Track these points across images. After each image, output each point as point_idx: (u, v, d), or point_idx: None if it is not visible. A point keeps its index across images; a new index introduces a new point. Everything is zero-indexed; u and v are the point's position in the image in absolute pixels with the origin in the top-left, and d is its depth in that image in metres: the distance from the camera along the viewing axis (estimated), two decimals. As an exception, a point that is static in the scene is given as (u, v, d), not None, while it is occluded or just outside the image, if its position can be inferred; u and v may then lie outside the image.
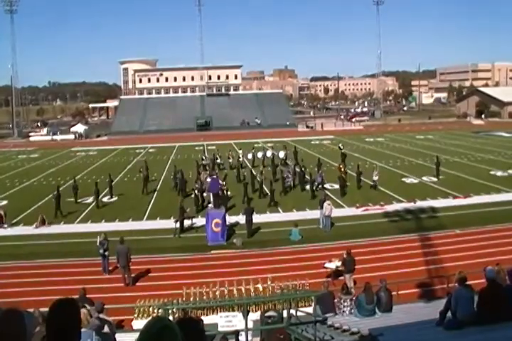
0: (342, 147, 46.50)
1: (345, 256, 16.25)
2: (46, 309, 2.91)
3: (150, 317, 11.52)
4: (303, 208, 26.79)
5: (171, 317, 10.43)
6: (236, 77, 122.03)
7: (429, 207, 26.04)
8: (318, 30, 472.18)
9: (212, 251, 20.59)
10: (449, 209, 25.55)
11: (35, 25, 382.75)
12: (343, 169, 33.27)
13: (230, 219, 24.00)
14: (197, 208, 26.65)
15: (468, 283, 9.61)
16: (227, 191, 27.49)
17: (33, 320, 2.93)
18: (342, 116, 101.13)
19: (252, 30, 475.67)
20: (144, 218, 26.35)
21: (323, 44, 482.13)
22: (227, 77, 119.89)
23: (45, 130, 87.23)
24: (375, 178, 30.89)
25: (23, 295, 15.25)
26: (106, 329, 9.07)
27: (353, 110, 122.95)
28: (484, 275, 8.44)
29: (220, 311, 13.49)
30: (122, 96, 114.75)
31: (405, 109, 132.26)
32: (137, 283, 17.39)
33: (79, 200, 30.30)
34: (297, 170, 33.45)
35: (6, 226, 25.10)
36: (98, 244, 18.50)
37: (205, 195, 28.05)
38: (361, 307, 12.51)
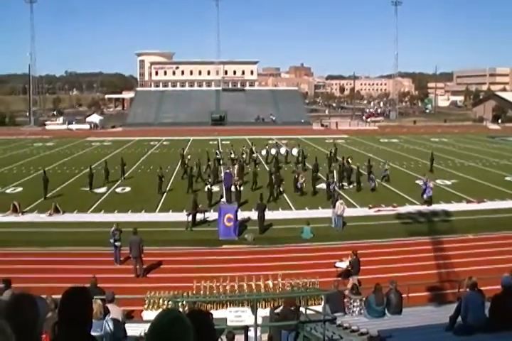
0: (334, 143, 46.06)
1: (353, 257, 16.20)
2: (58, 296, 2.95)
3: (160, 309, 11.67)
4: (315, 206, 26.79)
5: (180, 310, 10.50)
6: (252, 72, 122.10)
7: (442, 211, 25.90)
8: (336, 29, 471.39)
9: (224, 246, 20.66)
10: (462, 213, 25.37)
11: (54, 15, 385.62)
12: (350, 161, 34.75)
13: (243, 214, 24.06)
14: (210, 202, 26.71)
15: (480, 288, 9.58)
16: (240, 186, 27.52)
17: (46, 306, 2.96)
18: (364, 117, 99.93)
19: (270, 26, 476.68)
20: (157, 210, 26.49)
21: (340, 43, 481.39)
22: (243, 72, 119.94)
23: (61, 119, 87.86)
24: (429, 194, 27.63)
25: (36, 281, 15.39)
26: (116, 318, 9.16)
27: (367, 110, 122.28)
28: (500, 282, 8.39)
29: (230, 306, 13.54)
30: (138, 88, 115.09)
31: (427, 111, 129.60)
32: (148, 275, 17.50)
33: (93, 190, 30.72)
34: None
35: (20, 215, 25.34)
36: (111, 234, 18.66)
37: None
38: (371, 308, 12.49)
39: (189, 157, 37.66)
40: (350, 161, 35.19)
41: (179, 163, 39.14)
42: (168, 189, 31.46)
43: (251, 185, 31.34)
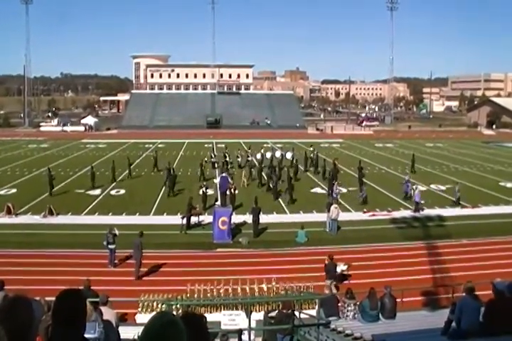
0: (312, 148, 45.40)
1: (329, 261, 16.16)
2: (51, 298, 2.93)
3: (153, 312, 11.59)
4: (310, 210, 26.80)
5: (174, 313, 10.45)
6: (247, 76, 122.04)
7: (436, 216, 25.97)
8: (331, 34, 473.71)
9: (218, 249, 20.64)
10: (456, 218, 25.43)
11: (50, 16, 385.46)
12: (337, 162, 36.53)
13: (237, 218, 24.04)
14: (204, 206, 26.66)
15: (475, 293, 9.57)
16: (234, 190, 27.50)
17: (40, 308, 2.94)
18: (358, 121, 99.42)
19: (265, 30, 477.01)
20: (151, 213, 26.43)
21: (336, 47, 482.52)
22: (239, 75, 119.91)
23: (55, 120, 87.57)
24: (417, 200, 27.04)
25: (29, 283, 15.32)
26: (109, 321, 9.09)
27: (363, 115, 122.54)
28: (493, 287, 8.39)
29: (224, 309, 13.51)
30: (133, 91, 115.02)
31: (431, 116, 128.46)
32: (141, 278, 17.42)
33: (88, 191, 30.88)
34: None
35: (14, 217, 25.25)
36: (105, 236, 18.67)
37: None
38: (365, 312, 12.49)
39: (206, 159, 37.76)
40: (336, 163, 35.98)
41: (153, 166, 39.27)
42: (162, 192, 31.47)
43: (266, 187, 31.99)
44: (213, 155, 41.92)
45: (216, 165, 39.74)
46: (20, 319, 2.55)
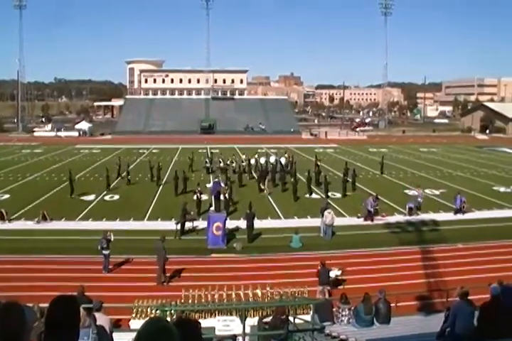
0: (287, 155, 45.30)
1: (321, 266, 16.14)
2: (45, 304, 2.91)
3: (148, 318, 11.51)
4: (304, 215, 26.79)
5: (168, 319, 10.41)
6: (242, 81, 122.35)
7: (430, 220, 26.02)
8: (325, 39, 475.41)
9: (212, 255, 20.59)
10: (450, 223, 25.49)
11: (44, 21, 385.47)
12: (319, 163, 38.61)
13: (231, 223, 23.99)
14: (198, 211, 26.61)
15: (469, 298, 9.60)
16: (229, 195, 27.48)
17: (33, 315, 2.92)
18: (352, 127, 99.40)
19: (259, 35, 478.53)
20: (145, 218, 26.34)
21: (330, 52, 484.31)
22: (233, 81, 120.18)
23: (49, 126, 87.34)
24: (410, 205, 27.49)
25: (22, 290, 15.24)
26: (103, 327, 9.04)
27: (357, 120, 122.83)
28: (490, 292, 8.42)
29: (218, 315, 13.47)
30: (127, 96, 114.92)
31: (435, 120, 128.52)
32: (136, 283, 17.32)
33: (81, 198, 30.88)
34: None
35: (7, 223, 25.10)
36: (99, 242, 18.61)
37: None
38: (359, 317, 12.47)
39: (230, 160, 38.85)
40: (319, 163, 36.22)
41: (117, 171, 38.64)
42: (157, 196, 31.40)
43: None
44: (207, 161, 41.88)
45: (211, 170, 39.73)
46: (13, 325, 2.54)
